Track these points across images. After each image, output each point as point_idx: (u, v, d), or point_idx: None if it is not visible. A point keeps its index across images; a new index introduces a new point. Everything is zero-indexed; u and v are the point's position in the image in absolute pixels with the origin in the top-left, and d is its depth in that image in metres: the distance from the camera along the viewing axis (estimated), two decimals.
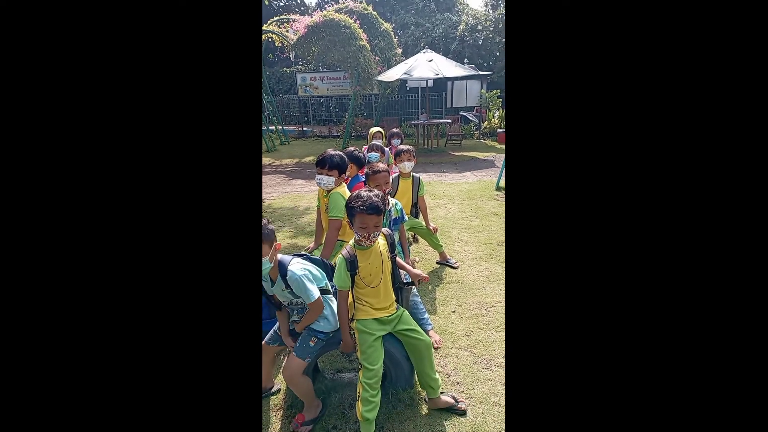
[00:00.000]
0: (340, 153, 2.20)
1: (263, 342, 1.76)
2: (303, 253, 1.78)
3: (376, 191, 1.59)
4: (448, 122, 10.11)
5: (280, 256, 1.57)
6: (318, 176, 2.13)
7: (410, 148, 2.97)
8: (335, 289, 1.63)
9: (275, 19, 10.18)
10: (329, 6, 10.08)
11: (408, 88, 13.05)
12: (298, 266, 1.58)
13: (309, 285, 1.55)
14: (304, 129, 13.29)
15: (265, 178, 7.13)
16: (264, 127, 10.71)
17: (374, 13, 10.64)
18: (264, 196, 5.74)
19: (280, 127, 11.87)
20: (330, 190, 2.16)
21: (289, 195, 5.73)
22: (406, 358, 1.73)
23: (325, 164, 2.10)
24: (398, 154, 2.94)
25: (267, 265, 1.49)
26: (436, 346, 2.10)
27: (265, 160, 9.05)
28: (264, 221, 1.49)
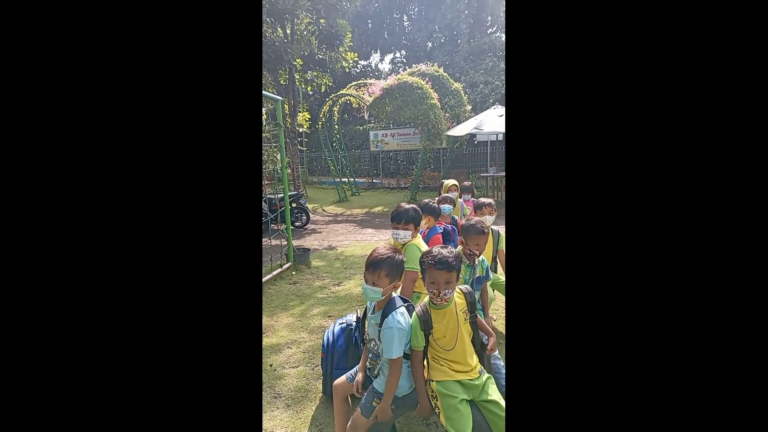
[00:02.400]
0: (414, 206, 2.23)
1: (345, 377, 1.71)
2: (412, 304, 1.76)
3: (450, 248, 1.55)
4: None
5: (395, 295, 1.57)
6: (395, 231, 2.17)
7: (491, 201, 2.91)
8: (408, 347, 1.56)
9: (353, 83, 11.27)
10: (402, 71, 10.94)
11: (476, 142, 13.21)
12: (402, 318, 1.53)
13: (396, 341, 1.49)
14: (374, 181, 13.93)
15: (336, 226, 7.47)
16: (336, 180, 11.46)
17: (445, 74, 11.26)
18: (336, 244, 5.97)
19: (352, 179, 12.59)
20: (405, 243, 2.17)
21: (360, 243, 5.90)
22: None
23: (401, 219, 2.14)
24: (479, 207, 2.89)
25: (377, 295, 1.49)
26: None
27: (337, 210, 9.54)
28: (399, 256, 1.53)
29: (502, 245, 2.92)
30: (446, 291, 1.47)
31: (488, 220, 2.83)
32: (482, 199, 2.99)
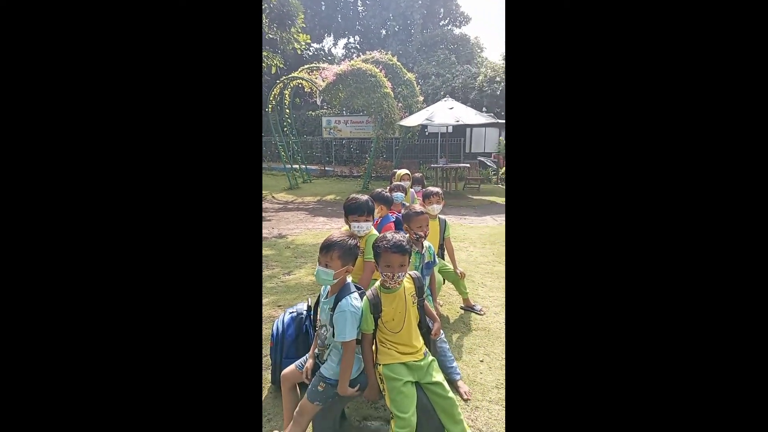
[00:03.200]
0: (368, 197, 2.25)
1: (294, 365, 1.71)
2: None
3: (403, 233, 1.61)
4: (467, 167, 10.28)
5: (349, 281, 1.58)
6: (355, 224, 2.16)
7: (439, 190, 3.01)
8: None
9: (306, 67, 10.89)
10: (356, 57, 10.77)
11: (427, 133, 13.48)
12: (356, 302, 1.56)
13: (350, 324, 1.51)
14: (326, 168, 13.71)
15: (287, 214, 7.28)
16: (287, 166, 11.12)
17: (398, 63, 11.27)
18: (286, 232, 5.84)
19: (303, 166, 12.28)
20: (366, 234, 2.19)
21: (312, 231, 5.81)
22: None
23: (362, 211, 2.15)
24: (427, 196, 2.99)
25: (329, 277, 1.49)
26: (466, 397, 2.01)
27: (288, 197, 9.29)
28: (353, 241, 1.53)
29: (449, 233, 3.05)
30: (400, 274, 1.54)
31: (435, 208, 2.93)
32: (430, 188, 3.08)
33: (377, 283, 1.63)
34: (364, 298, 1.59)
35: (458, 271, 2.99)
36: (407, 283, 1.64)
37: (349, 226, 2.20)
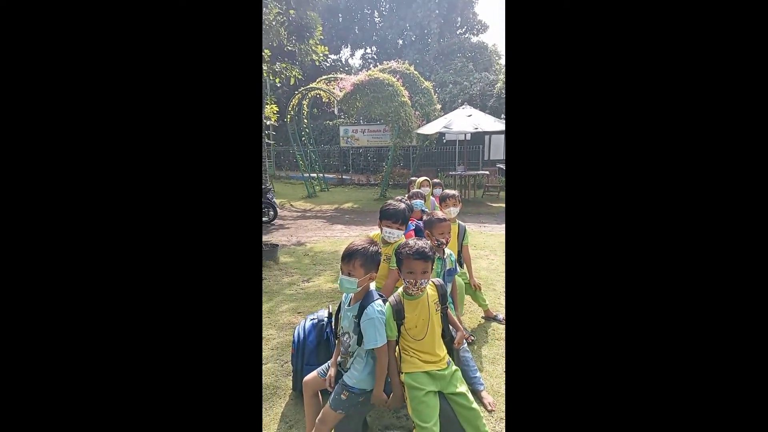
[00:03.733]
0: (405, 206, 2.22)
1: (316, 372, 1.69)
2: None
3: (425, 240, 1.60)
4: (486, 174, 10.18)
5: (372, 288, 1.57)
6: (387, 229, 2.14)
7: (456, 193, 2.96)
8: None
9: (323, 77, 11.09)
10: (373, 67, 10.90)
11: (445, 141, 13.44)
12: (382, 308, 1.55)
13: (378, 330, 1.50)
14: (343, 177, 13.83)
15: (305, 222, 7.36)
16: (305, 175, 11.27)
17: (416, 72, 11.34)
18: (305, 239, 5.89)
19: (321, 175, 12.43)
20: (394, 242, 2.16)
21: (330, 239, 5.84)
22: None
23: (397, 218, 2.13)
24: (443, 199, 2.94)
25: (353, 285, 1.49)
26: (490, 408, 1.95)
27: (306, 206, 9.39)
28: (374, 248, 1.53)
29: (468, 241, 2.99)
30: (423, 281, 1.52)
31: (453, 211, 2.89)
32: (446, 191, 3.03)
33: (399, 290, 1.62)
34: (387, 304, 1.58)
35: (474, 283, 2.91)
36: (430, 290, 1.62)
37: (381, 231, 2.18)
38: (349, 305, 1.60)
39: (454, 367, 1.62)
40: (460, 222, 2.98)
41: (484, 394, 2.04)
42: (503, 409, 2.00)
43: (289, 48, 10.19)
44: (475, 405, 1.54)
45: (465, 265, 2.97)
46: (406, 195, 3.82)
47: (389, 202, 2.23)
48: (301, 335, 2.06)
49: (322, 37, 10.52)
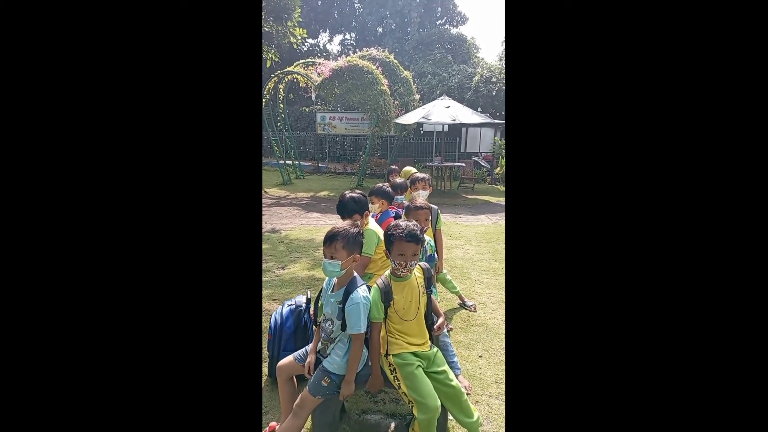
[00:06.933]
0: (354, 196, 2.16)
1: (292, 357, 1.67)
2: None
3: (414, 221, 1.60)
4: (462, 166, 10.30)
5: (356, 274, 1.55)
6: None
7: (426, 176, 2.95)
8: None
9: (301, 61, 10.78)
10: (352, 53, 10.70)
11: (423, 132, 13.45)
12: (367, 294, 1.54)
13: (363, 315, 1.49)
14: (319, 165, 13.61)
15: (280, 209, 7.20)
16: (280, 162, 11.00)
17: (395, 61, 11.23)
18: (280, 227, 5.77)
19: (296, 162, 12.17)
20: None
21: (306, 227, 5.75)
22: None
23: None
24: (413, 182, 2.92)
25: (336, 268, 1.47)
26: (466, 392, 1.99)
27: (281, 193, 9.19)
28: (356, 229, 1.51)
29: (440, 225, 2.96)
30: (413, 262, 1.53)
31: (422, 194, 2.88)
32: (416, 174, 3.01)
33: (387, 272, 1.61)
34: (374, 286, 1.57)
35: (440, 265, 2.92)
36: (417, 273, 1.63)
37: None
38: (332, 291, 1.57)
39: (436, 349, 1.65)
40: (433, 205, 2.98)
41: (460, 378, 2.08)
42: (478, 392, 2.05)
43: (266, 29, 9.81)
44: (456, 382, 1.57)
45: (436, 248, 2.98)
46: (385, 183, 3.78)
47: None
48: (278, 321, 2.02)
49: (300, 19, 10.19)
